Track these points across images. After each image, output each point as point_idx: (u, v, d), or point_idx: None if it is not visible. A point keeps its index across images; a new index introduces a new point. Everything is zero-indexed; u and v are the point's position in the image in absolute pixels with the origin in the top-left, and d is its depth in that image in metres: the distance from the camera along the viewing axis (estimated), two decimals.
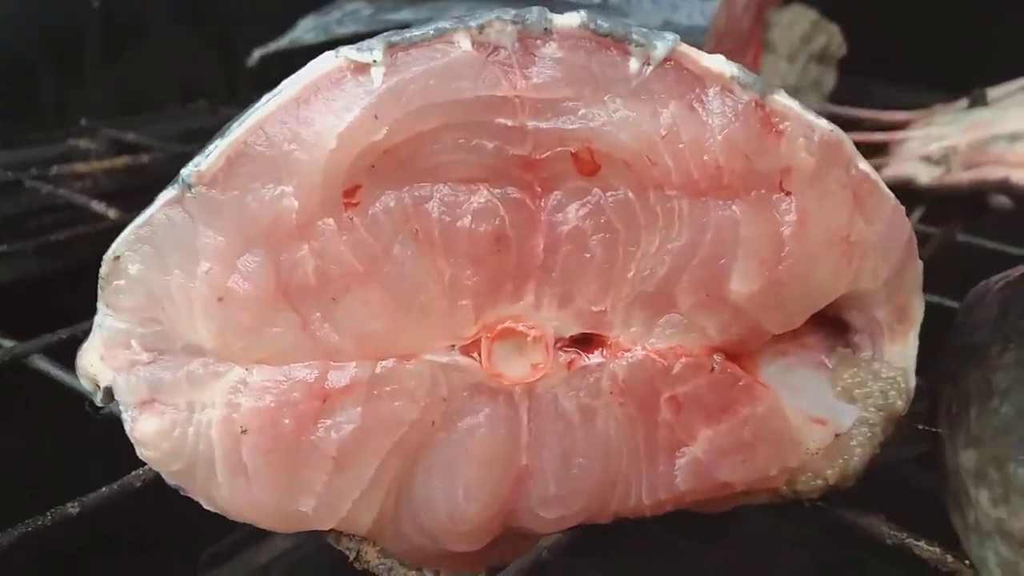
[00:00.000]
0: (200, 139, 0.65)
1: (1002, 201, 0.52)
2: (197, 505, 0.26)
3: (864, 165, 0.24)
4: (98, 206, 0.47)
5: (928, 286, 0.45)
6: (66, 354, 0.34)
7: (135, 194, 0.56)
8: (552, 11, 0.58)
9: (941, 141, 0.54)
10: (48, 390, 0.33)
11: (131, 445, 0.26)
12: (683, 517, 0.27)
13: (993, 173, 0.51)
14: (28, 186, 0.51)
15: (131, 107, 0.68)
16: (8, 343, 0.34)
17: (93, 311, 0.35)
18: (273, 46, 0.64)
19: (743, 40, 0.61)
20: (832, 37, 0.66)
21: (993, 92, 0.58)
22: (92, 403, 0.30)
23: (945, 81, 0.82)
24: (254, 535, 0.85)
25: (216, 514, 0.26)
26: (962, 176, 0.53)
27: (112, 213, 0.46)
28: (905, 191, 0.56)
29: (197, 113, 0.69)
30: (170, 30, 0.71)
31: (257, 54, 0.64)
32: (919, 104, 0.80)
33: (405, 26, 0.61)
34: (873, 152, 0.60)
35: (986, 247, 0.50)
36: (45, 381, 0.33)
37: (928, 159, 0.54)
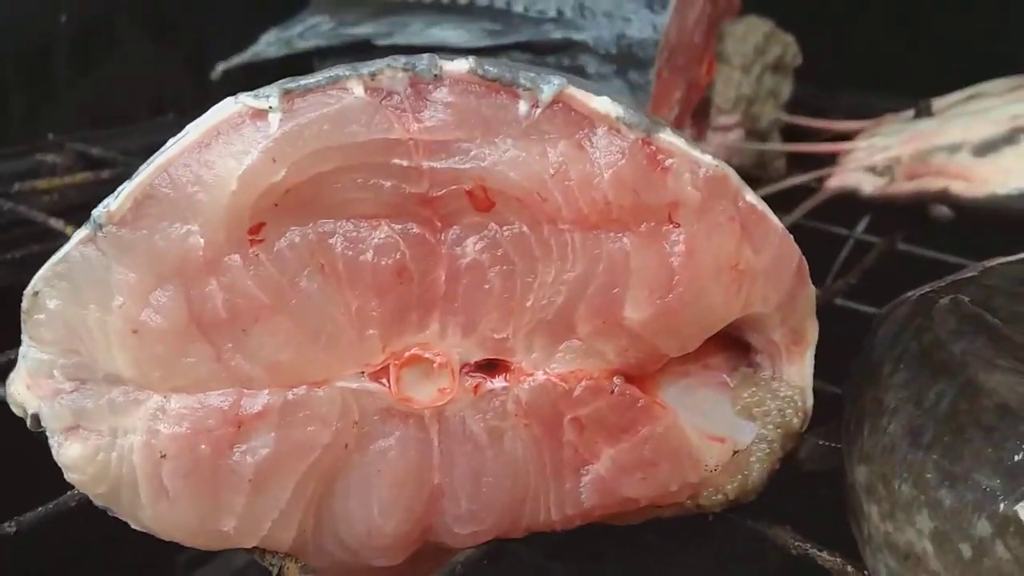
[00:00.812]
0: None
1: (943, 211, 0.53)
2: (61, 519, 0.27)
3: (751, 197, 0.25)
4: (56, 223, 0.48)
5: (867, 295, 0.47)
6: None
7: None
8: (502, 31, 0.58)
9: (885, 152, 0.55)
10: None
11: None
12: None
13: (934, 184, 0.52)
14: None
15: (100, 121, 0.69)
16: None
17: None
18: (236, 60, 0.65)
19: (696, 52, 0.62)
20: (787, 47, 0.67)
21: (938, 103, 0.59)
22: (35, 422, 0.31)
23: (907, 87, 0.84)
24: None
25: None
26: (904, 186, 0.54)
27: (69, 231, 0.47)
28: (850, 200, 0.57)
29: (165, 126, 0.70)
30: (138, 44, 0.71)
31: (220, 68, 0.65)
32: (882, 108, 0.82)
33: (365, 40, 0.61)
34: (822, 162, 0.61)
35: (926, 256, 0.52)
36: None
37: (872, 169, 0.56)
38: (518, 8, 0.60)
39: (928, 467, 0.24)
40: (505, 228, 0.24)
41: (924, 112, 0.58)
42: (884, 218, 0.57)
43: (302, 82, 0.22)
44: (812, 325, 0.27)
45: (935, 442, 0.24)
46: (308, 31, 0.63)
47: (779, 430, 0.27)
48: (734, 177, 0.25)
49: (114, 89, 0.70)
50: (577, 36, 0.58)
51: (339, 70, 0.22)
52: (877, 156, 0.56)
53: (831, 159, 0.62)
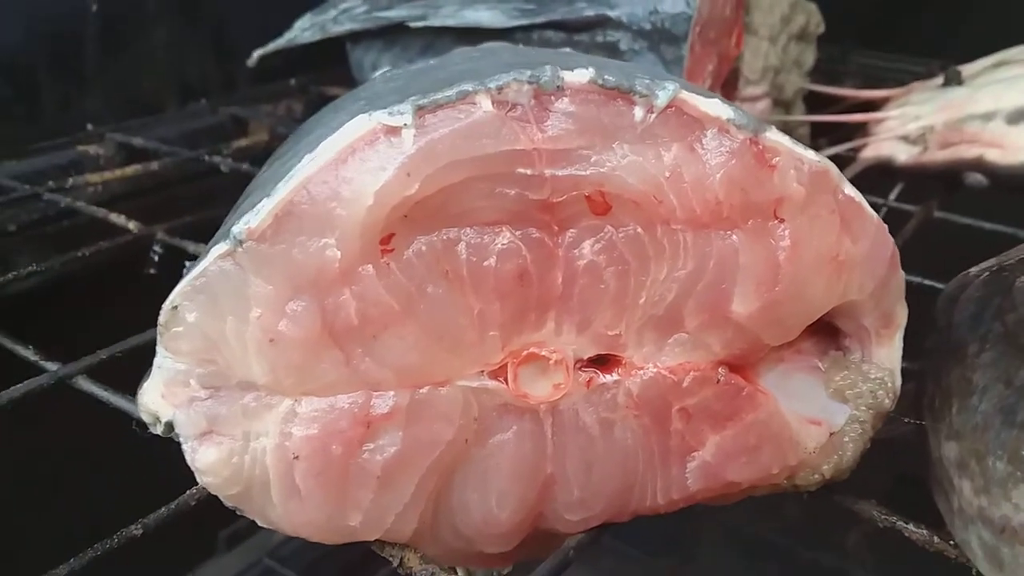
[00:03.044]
0: (203, 140, 0.66)
1: (977, 179, 0.54)
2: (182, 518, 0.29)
3: (850, 190, 0.26)
4: (117, 219, 0.48)
5: (908, 263, 0.48)
6: (107, 374, 0.36)
7: (150, 203, 0.58)
8: (535, 10, 0.59)
9: (918, 121, 0.56)
10: (91, 410, 0.35)
11: (175, 460, 0.28)
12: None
13: (968, 152, 0.54)
14: (47, 199, 0.52)
15: (132, 110, 0.69)
16: (52, 366, 0.36)
17: (119, 322, 0.37)
18: (272, 46, 0.65)
19: (726, 25, 0.62)
20: (811, 16, 0.68)
21: (967, 70, 0.60)
22: (140, 422, 0.32)
23: (922, 49, 0.85)
24: None
25: None
26: (938, 155, 0.55)
27: (132, 225, 0.48)
28: (884, 169, 0.58)
29: (198, 113, 0.71)
30: (165, 31, 0.71)
31: (257, 54, 0.65)
32: (897, 70, 0.83)
33: (399, 23, 0.62)
34: (845, 129, 0.62)
35: (962, 223, 0.53)
36: (89, 401, 0.35)
37: (906, 139, 0.57)
38: None
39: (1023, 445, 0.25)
40: (620, 230, 0.25)
41: (954, 80, 0.59)
42: (916, 186, 0.58)
43: (433, 98, 0.23)
44: (902, 309, 0.29)
45: None
46: (342, 15, 0.63)
47: (871, 411, 0.28)
48: (834, 171, 0.26)
49: (144, 78, 0.71)
50: (610, 12, 0.59)
51: (466, 85, 0.23)
52: (910, 125, 0.57)
53: (857, 127, 0.63)
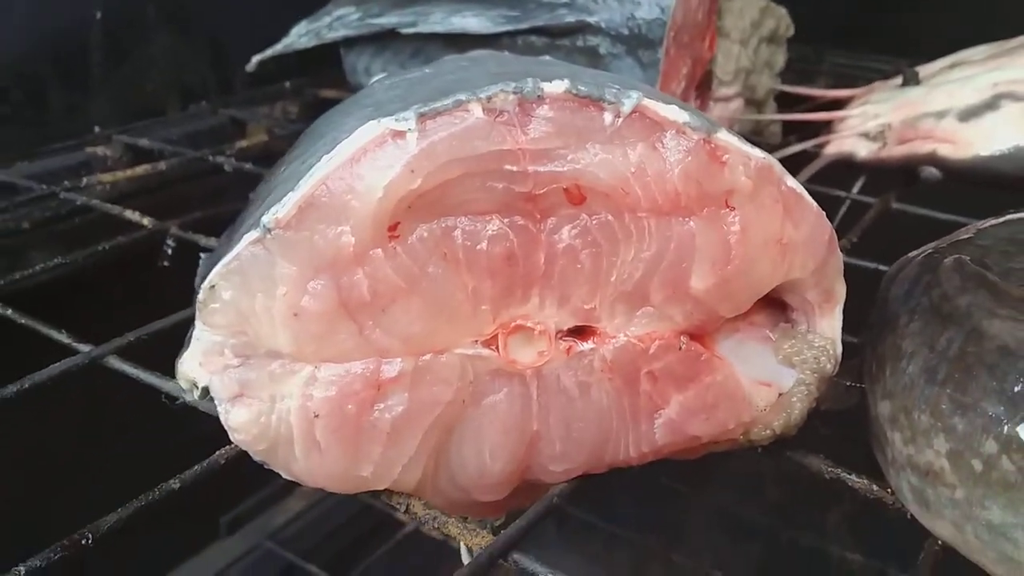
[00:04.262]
0: (204, 140, 0.70)
1: (932, 172, 0.58)
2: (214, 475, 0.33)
3: (791, 182, 0.30)
4: (132, 215, 0.52)
5: (866, 251, 0.52)
6: (135, 353, 0.40)
7: (159, 200, 0.62)
8: (519, 16, 0.63)
9: (877, 119, 0.61)
10: (122, 387, 0.39)
11: (201, 429, 0.32)
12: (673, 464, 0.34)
13: (923, 148, 0.58)
14: (63, 197, 0.56)
15: (136, 113, 0.72)
16: (85, 347, 0.40)
17: (138, 310, 0.41)
18: (270, 51, 0.69)
19: (699, 30, 0.66)
20: (781, 20, 0.72)
21: (924, 70, 0.64)
22: (168, 395, 0.36)
23: (892, 49, 0.89)
24: (269, 499, 0.92)
25: (233, 482, 0.32)
26: (896, 150, 0.59)
27: (147, 221, 0.52)
28: (847, 164, 0.63)
29: (199, 115, 0.74)
30: (166, 37, 0.75)
31: (256, 60, 0.69)
32: (868, 69, 0.87)
33: (391, 30, 0.66)
34: (815, 127, 0.66)
35: (918, 213, 0.57)
36: (119, 378, 0.39)
37: (866, 135, 0.61)
38: None
39: (943, 399, 0.29)
40: (594, 218, 0.29)
41: (911, 80, 0.63)
42: (877, 180, 0.62)
43: (432, 106, 0.27)
44: (840, 285, 0.33)
45: (948, 379, 0.29)
46: (336, 22, 0.67)
47: (815, 375, 0.33)
48: (777, 166, 0.30)
49: (146, 82, 0.74)
50: (590, 19, 0.63)
51: (461, 95, 0.27)
52: (870, 123, 0.61)
53: (824, 124, 0.67)
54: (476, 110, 0.27)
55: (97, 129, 0.68)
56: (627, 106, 0.28)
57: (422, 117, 0.27)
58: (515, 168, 0.28)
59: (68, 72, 0.70)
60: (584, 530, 0.91)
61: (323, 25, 0.68)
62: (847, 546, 0.94)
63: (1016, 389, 0.27)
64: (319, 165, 0.27)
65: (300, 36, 0.68)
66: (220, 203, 0.55)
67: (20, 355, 0.38)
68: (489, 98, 0.27)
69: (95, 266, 0.49)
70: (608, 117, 0.28)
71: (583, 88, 0.28)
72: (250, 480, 0.92)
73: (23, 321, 0.42)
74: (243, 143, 0.68)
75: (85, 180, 0.59)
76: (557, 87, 0.27)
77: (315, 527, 0.93)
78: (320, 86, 0.80)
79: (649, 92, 0.29)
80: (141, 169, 0.61)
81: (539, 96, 0.27)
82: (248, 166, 0.61)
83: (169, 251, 0.51)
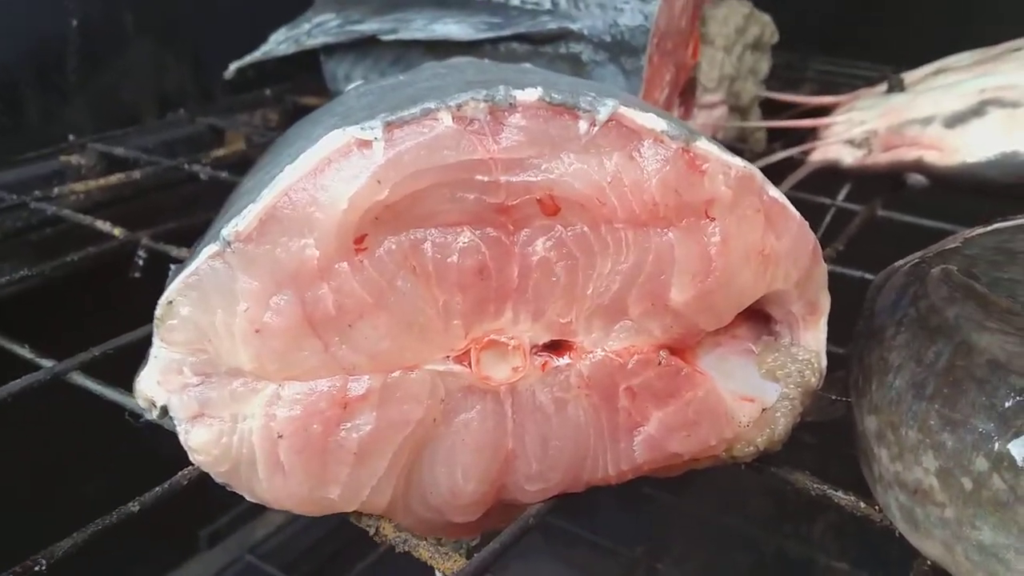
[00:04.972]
0: (182, 149, 0.69)
1: (918, 179, 0.58)
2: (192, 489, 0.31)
3: (773, 191, 0.29)
4: (103, 225, 0.51)
5: (852, 259, 0.51)
6: (99, 370, 0.39)
7: (133, 210, 0.61)
8: (501, 24, 0.62)
9: (863, 125, 0.60)
10: (85, 403, 0.38)
11: (166, 448, 0.31)
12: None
13: (909, 154, 0.57)
14: (33, 207, 0.55)
15: (112, 121, 0.71)
16: (48, 363, 0.38)
17: (107, 323, 0.39)
18: (249, 58, 0.68)
19: (683, 36, 0.66)
20: (765, 27, 0.72)
21: (909, 77, 0.64)
22: (132, 413, 0.35)
23: (877, 55, 0.89)
24: (249, 512, 0.91)
25: (213, 495, 0.31)
26: (881, 157, 0.59)
27: (118, 231, 0.50)
28: (833, 171, 0.62)
29: (176, 123, 0.73)
30: (143, 45, 0.74)
31: (234, 67, 0.68)
32: (853, 75, 0.87)
33: (371, 36, 0.65)
34: (799, 134, 0.66)
35: (904, 220, 0.56)
36: (82, 395, 0.38)
37: (852, 142, 0.60)
38: (515, 1, 0.64)
39: (931, 415, 0.28)
40: (569, 229, 0.28)
41: (896, 87, 0.63)
42: (863, 187, 0.62)
43: (400, 114, 0.26)
44: (825, 297, 0.32)
45: (936, 394, 0.28)
46: (315, 29, 0.66)
47: (799, 388, 0.32)
48: (759, 176, 0.29)
49: (123, 89, 0.73)
50: (572, 26, 0.62)
51: (430, 103, 0.26)
52: (855, 130, 0.61)
53: (809, 131, 0.66)
54: (445, 118, 0.26)
55: (72, 137, 0.67)
56: (603, 114, 0.27)
57: (389, 126, 0.26)
58: (486, 178, 0.27)
59: (44, 80, 0.68)
60: (568, 540, 0.90)
61: (302, 32, 0.67)
62: (833, 555, 0.93)
63: (1007, 404, 0.26)
64: (281, 176, 0.26)
65: (279, 43, 0.67)
66: (194, 213, 0.53)
67: None
68: (459, 106, 0.26)
69: (64, 278, 0.48)
70: (583, 125, 0.27)
71: (557, 96, 0.27)
72: (229, 493, 0.90)
73: None
74: (220, 151, 0.67)
75: (57, 190, 0.58)
76: (530, 95, 0.26)
77: (296, 540, 0.91)
78: (301, 93, 0.79)
79: (626, 100, 0.28)
80: (115, 178, 0.59)
81: (511, 104, 0.26)
82: (224, 175, 0.60)
83: (140, 262, 0.50)
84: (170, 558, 0.87)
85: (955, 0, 0.94)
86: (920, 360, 0.30)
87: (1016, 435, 0.26)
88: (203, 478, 0.31)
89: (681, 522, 0.99)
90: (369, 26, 0.64)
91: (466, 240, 0.27)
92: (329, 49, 0.67)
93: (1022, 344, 0.27)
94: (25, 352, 0.40)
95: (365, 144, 0.26)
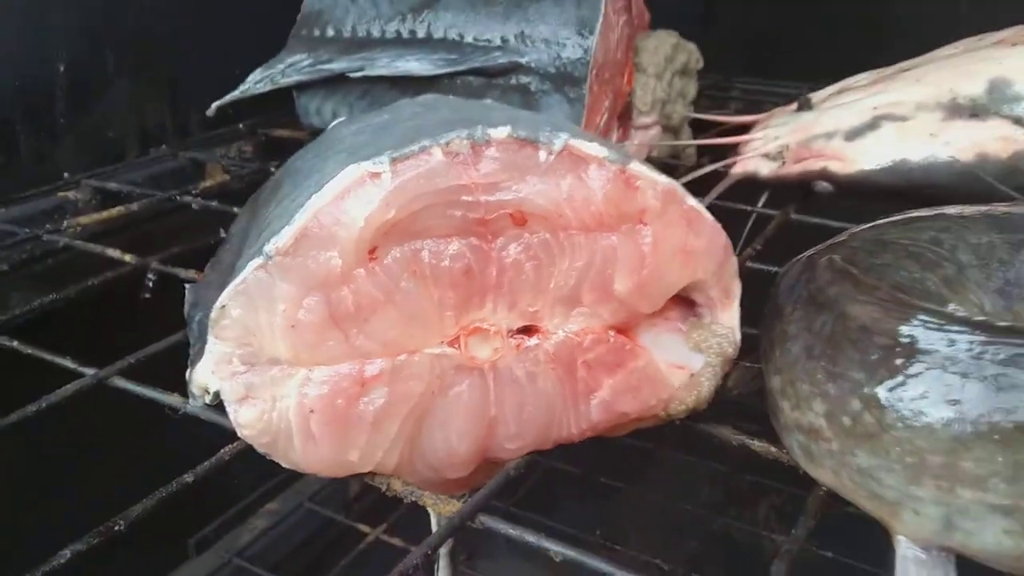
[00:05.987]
0: (167, 181, 0.76)
1: (824, 186, 0.66)
2: (182, 496, 0.38)
3: (692, 201, 0.37)
4: (113, 253, 0.57)
5: (769, 257, 0.59)
6: (137, 373, 0.46)
7: (134, 238, 0.67)
8: (457, 59, 0.70)
9: (777, 140, 0.69)
10: (126, 403, 0.44)
11: (203, 435, 0.38)
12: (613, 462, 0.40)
13: (815, 165, 0.66)
14: (46, 239, 0.61)
15: (101, 158, 0.77)
16: (90, 370, 0.45)
17: (129, 335, 0.46)
18: (228, 97, 0.74)
19: (619, 66, 0.74)
20: (691, 55, 0.80)
21: (816, 96, 0.72)
22: (171, 407, 0.42)
23: (795, 74, 0.98)
24: (235, 519, 0.97)
25: (201, 502, 0.37)
26: (793, 168, 0.67)
27: (128, 258, 0.57)
28: (752, 182, 0.71)
29: (159, 159, 0.79)
30: (125, 84, 0.79)
31: (215, 106, 0.75)
32: (774, 93, 0.96)
33: (340, 74, 0.72)
34: (724, 150, 0.74)
35: (813, 222, 0.65)
36: (123, 395, 0.45)
37: (767, 156, 0.69)
38: (469, 39, 0.71)
39: (819, 371, 0.36)
40: (535, 236, 0.36)
41: (805, 105, 0.71)
42: (778, 195, 0.70)
43: (402, 151, 0.33)
44: (736, 284, 0.40)
45: (822, 354, 0.36)
46: (289, 68, 0.73)
47: (719, 357, 0.40)
48: (680, 189, 0.37)
49: (108, 128, 0.79)
50: (521, 60, 0.70)
51: (425, 141, 0.33)
52: (771, 144, 0.69)
53: (732, 147, 0.75)
54: (437, 153, 0.33)
55: (66, 175, 0.73)
56: (557, 145, 0.35)
57: (394, 160, 0.33)
58: (470, 199, 0.34)
59: (36, 122, 0.74)
60: (530, 527, 0.97)
61: (277, 72, 0.74)
62: (777, 533, 1.02)
63: (873, 358, 0.34)
64: (310, 202, 0.33)
65: (256, 82, 0.74)
66: (193, 239, 0.60)
67: (21, 383, 0.43)
68: (447, 143, 0.34)
69: (84, 300, 0.54)
70: (543, 155, 0.35)
71: (522, 132, 0.34)
72: (214, 503, 0.96)
73: (29, 351, 0.47)
74: (206, 183, 0.73)
75: (65, 223, 0.64)
76: (501, 132, 0.34)
77: (280, 543, 0.97)
78: (273, 126, 0.86)
79: (575, 132, 0.36)
80: (116, 211, 0.66)
81: (487, 140, 0.34)
82: (214, 204, 0.67)
83: (151, 284, 0.57)
84: (160, 566, 0.92)
85: (868, 22, 1.04)
86: (810, 329, 0.38)
87: (879, 382, 0.34)
88: (196, 485, 0.38)
89: (636, 509, 1.06)
90: (338, 64, 0.72)
91: (455, 248, 0.35)
92: (302, 86, 0.74)
93: (884, 313, 0.36)
94: (68, 362, 0.46)
95: (375, 176, 0.33)
